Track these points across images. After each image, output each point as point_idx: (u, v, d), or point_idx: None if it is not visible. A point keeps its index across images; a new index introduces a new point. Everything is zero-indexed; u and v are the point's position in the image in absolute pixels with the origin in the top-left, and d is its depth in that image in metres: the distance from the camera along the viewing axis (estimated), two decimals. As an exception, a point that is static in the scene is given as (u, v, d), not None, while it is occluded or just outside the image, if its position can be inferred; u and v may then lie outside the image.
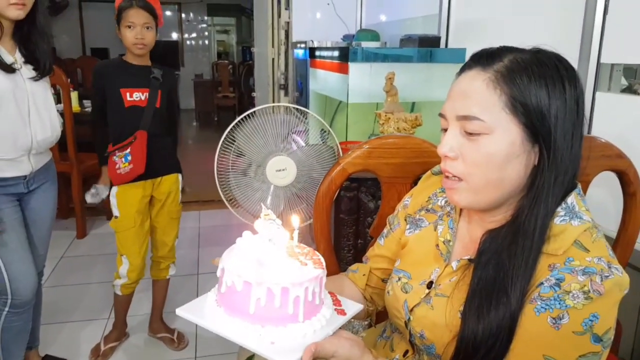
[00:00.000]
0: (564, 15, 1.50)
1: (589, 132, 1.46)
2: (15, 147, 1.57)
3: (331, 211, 1.58)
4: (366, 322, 1.47)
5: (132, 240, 1.97)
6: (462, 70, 0.78)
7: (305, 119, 1.86)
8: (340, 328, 0.77)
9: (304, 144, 1.82)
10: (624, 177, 1.19)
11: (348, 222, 1.99)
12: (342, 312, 0.81)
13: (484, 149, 0.72)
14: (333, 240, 2.05)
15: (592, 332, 0.67)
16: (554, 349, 0.68)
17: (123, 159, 1.88)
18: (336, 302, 0.84)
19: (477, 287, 0.75)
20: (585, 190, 1.20)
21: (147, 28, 1.87)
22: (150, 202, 2.04)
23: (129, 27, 1.84)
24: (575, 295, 0.67)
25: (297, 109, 1.81)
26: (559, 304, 0.68)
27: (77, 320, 2.39)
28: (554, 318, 0.68)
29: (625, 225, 1.21)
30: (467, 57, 0.80)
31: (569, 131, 0.72)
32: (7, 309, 1.67)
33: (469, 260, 0.80)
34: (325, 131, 1.87)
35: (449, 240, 0.87)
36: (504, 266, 0.73)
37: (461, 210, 0.88)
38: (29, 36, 1.59)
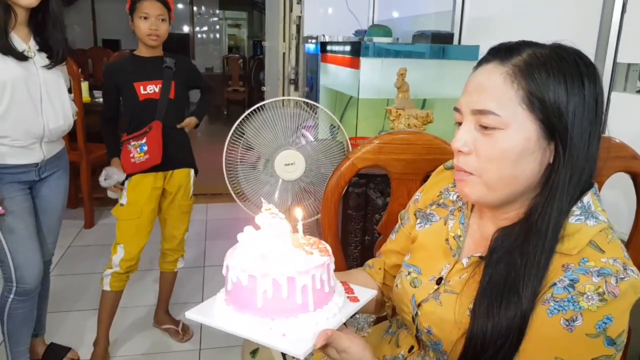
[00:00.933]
0: (581, 12, 1.47)
1: (603, 133, 1.43)
2: (27, 135, 1.57)
3: (339, 207, 1.57)
4: (371, 319, 1.47)
5: (133, 230, 1.95)
6: (480, 64, 0.77)
7: (315, 113, 1.85)
8: (344, 324, 0.76)
9: (312, 139, 1.81)
10: (638, 178, 1.17)
11: (356, 218, 1.98)
12: (355, 299, 0.80)
13: (498, 145, 0.71)
14: (340, 236, 2.05)
15: (605, 335, 0.65)
16: (567, 351, 0.67)
17: (138, 149, 1.87)
18: (348, 290, 0.83)
19: (487, 285, 0.74)
20: (598, 191, 1.18)
21: (162, 20, 1.86)
22: (162, 194, 2.04)
23: (144, 18, 1.83)
24: (590, 297, 0.65)
25: (307, 103, 1.80)
26: (573, 305, 0.66)
27: (83, 310, 2.40)
28: (567, 320, 0.66)
29: (638, 228, 1.19)
30: (480, 55, 0.78)
31: (586, 130, 0.70)
32: (12, 296, 1.68)
33: (480, 257, 0.79)
34: (334, 126, 1.86)
35: (460, 236, 0.85)
36: (515, 265, 0.71)
37: (473, 205, 0.86)
38: (43, 24, 1.59)
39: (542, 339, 0.68)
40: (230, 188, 1.73)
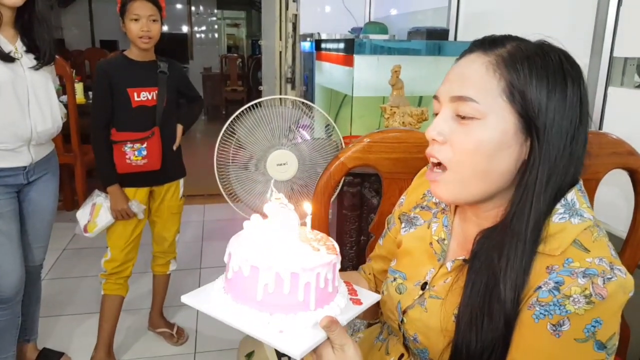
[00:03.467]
0: (576, 7, 1.44)
1: (600, 128, 1.41)
2: (14, 138, 1.55)
3: (331, 207, 1.54)
4: (367, 321, 1.44)
5: (118, 233, 1.92)
6: (463, 54, 0.75)
7: (311, 112, 1.82)
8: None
9: (308, 137, 1.78)
10: (635, 175, 1.14)
11: (351, 218, 1.95)
12: (357, 302, 0.77)
13: (474, 135, 0.68)
14: (336, 237, 2.02)
15: (595, 339, 0.63)
16: (555, 358, 0.64)
17: (136, 153, 1.83)
18: (352, 292, 0.80)
19: (470, 293, 0.71)
20: (594, 188, 1.16)
21: (153, 20, 1.81)
22: (150, 195, 2.01)
23: (135, 19, 1.79)
24: (576, 300, 0.62)
25: (302, 102, 1.77)
26: (559, 309, 0.63)
27: (77, 314, 2.38)
28: (553, 325, 0.63)
29: (635, 226, 1.16)
30: None
31: (567, 131, 0.68)
32: None
33: (464, 260, 0.76)
34: (329, 125, 1.83)
35: (444, 239, 0.83)
36: (496, 270, 0.68)
37: (456, 207, 0.84)
38: (30, 24, 1.57)
39: (530, 346, 0.66)
40: (221, 188, 1.70)
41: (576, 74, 0.69)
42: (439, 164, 0.73)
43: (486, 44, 0.71)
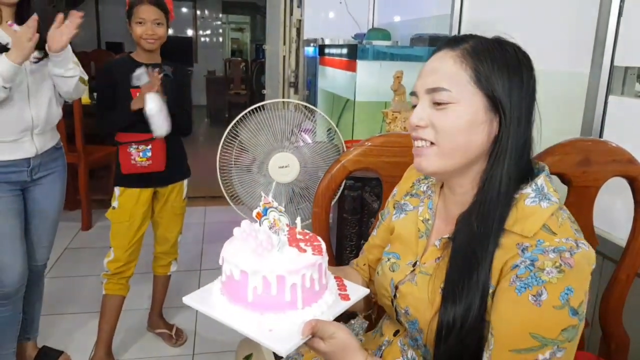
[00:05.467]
0: (577, 16, 1.46)
1: (600, 137, 1.41)
2: (16, 128, 1.58)
3: (332, 210, 1.55)
4: (365, 324, 1.45)
5: (122, 233, 1.93)
6: (433, 52, 0.86)
7: (313, 116, 1.84)
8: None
9: (310, 141, 1.80)
10: (635, 183, 1.15)
11: (351, 222, 1.96)
12: (346, 297, 0.83)
13: (451, 116, 0.79)
14: (336, 241, 2.03)
15: (569, 306, 0.72)
16: (539, 326, 0.72)
17: (141, 154, 1.84)
18: (341, 287, 0.85)
19: (453, 266, 0.81)
20: (594, 196, 1.16)
21: (158, 24, 1.83)
22: (154, 195, 2.02)
23: (140, 23, 1.81)
24: (549, 271, 0.72)
25: (304, 106, 1.79)
26: (536, 280, 0.73)
27: (78, 313, 2.39)
28: (534, 295, 0.72)
29: (635, 234, 1.17)
30: None
31: (525, 111, 0.80)
32: None
33: (449, 238, 0.85)
34: (331, 129, 1.84)
35: (428, 219, 0.93)
36: (474, 238, 0.79)
37: (440, 190, 0.94)
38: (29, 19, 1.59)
39: (515, 319, 0.74)
40: (224, 190, 1.72)
41: (528, 64, 0.81)
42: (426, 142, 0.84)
43: (452, 42, 0.83)
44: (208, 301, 0.78)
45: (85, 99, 3.51)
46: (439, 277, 0.83)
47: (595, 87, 1.40)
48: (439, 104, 0.80)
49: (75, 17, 1.57)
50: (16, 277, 1.67)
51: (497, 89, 0.78)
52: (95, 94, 3.75)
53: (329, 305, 0.77)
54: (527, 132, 0.81)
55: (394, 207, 1.03)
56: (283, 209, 0.79)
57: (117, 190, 1.93)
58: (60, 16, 1.55)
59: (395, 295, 0.91)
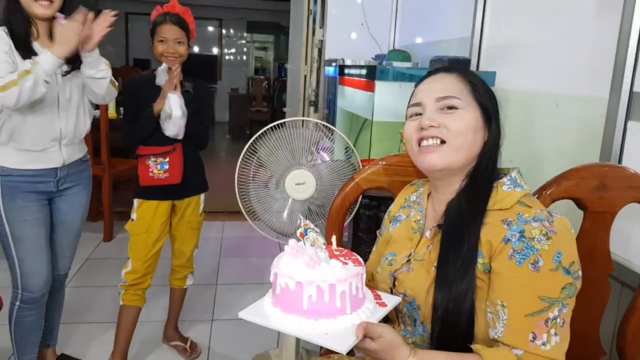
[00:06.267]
0: (597, 41, 1.46)
1: (619, 162, 1.40)
2: (45, 138, 1.64)
3: (346, 227, 1.56)
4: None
5: (140, 245, 1.97)
6: (427, 76, 1.03)
7: (332, 135, 1.86)
8: None
9: (328, 159, 1.82)
10: (652, 209, 1.14)
11: (366, 241, 1.96)
12: (382, 304, 0.92)
13: (462, 119, 0.96)
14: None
15: (562, 267, 0.85)
16: (543, 289, 0.84)
17: (159, 166, 1.90)
18: (377, 296, 0.95)
19: (445, 243, 0.93)
20: (611, 221, 1.15)
21: (179, 43, 1.91)
22: (172, 209, 2.06)
23: (162, 41, 1.89)
24: (539, 240, 0.85)
25: (323, 124, 1.81)
26: (531, 250, 0.85)
27: (96, 322, 2.43)
28: (532, 264, 0.85)
29: (652, 261, 1.15)
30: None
31: (499, 124, 1.00)
32: (18, 303, 1.73)
33: (438, 226, 0.98)
34: (349, 148, 1.86)
35: (419, 220, 1.06)
36: (462, 214, 0.93)
37: (428, 197, 1.07)
38: None
39: (523, 288, 0.85)
40: (241, 205, 1.74)
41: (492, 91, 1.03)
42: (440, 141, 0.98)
43: (446, 69, 1.03)
44: (264, 314, 0.86)
45: (112, 113, 3.61)
46: (433, 258, 0.96)
47: (615, 112, 1.39)
48: (449, 108, 0.96)
49: (108, 16, 1.62)
50: (42, 282, 1.73)
51: (487, 102, 0.98)
52: (121, 109, 3.89)
53: (371, 311, 0.87)
54: (499, 140, 1.00)
55: (390, 222, 1.14)
56: (319, 230, 0.88)
57: (135, 202, 1.98)
58: (90, 16, 1.59)
59: (394, 284, 1.03)
